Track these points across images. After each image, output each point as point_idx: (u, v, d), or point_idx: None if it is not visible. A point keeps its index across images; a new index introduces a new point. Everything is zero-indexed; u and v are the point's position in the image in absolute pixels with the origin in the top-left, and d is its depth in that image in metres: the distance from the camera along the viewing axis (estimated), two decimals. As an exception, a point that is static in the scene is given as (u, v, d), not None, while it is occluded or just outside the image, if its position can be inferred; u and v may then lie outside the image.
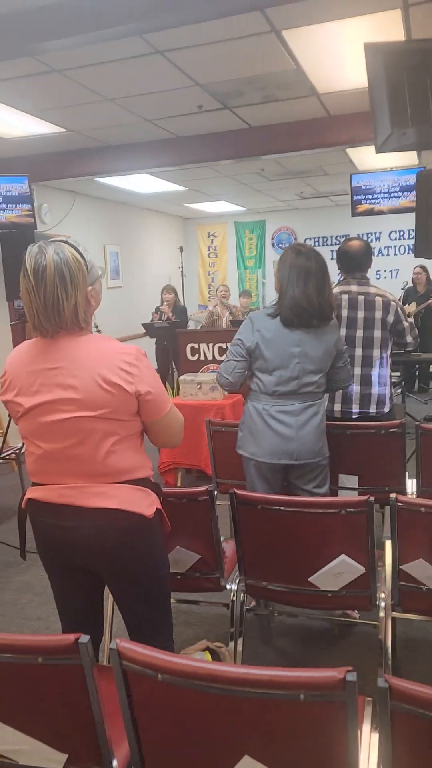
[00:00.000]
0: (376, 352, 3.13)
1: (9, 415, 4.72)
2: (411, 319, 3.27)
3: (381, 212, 6.82)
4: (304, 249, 2.54)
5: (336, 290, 3.16)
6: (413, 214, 4.90)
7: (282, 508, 2.05)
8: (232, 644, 2.33)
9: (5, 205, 5.57)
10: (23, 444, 5.26)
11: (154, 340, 7.65)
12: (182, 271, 9.65)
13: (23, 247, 5.23)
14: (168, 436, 1.82)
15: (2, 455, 4.26)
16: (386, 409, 3.20)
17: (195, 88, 4.17)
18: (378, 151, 2.48)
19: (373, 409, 3.16)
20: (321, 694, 1.09)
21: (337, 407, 3.15)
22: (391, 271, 9.33)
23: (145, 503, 1.72)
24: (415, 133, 2.37)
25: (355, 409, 3.15)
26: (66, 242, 1.65)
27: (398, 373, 6.44)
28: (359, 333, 3.11)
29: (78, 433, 1.64)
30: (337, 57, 3.67)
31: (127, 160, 5.72)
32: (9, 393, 1.71)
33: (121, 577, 1.74)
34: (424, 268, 7.73)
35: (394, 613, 2.16)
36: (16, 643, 1.31)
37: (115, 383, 1.63)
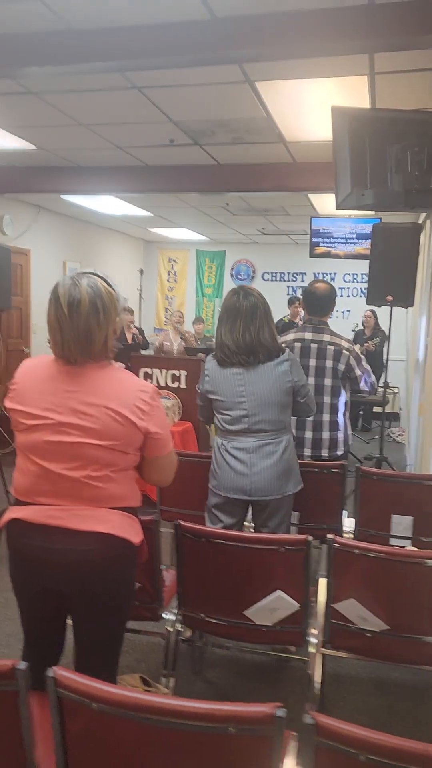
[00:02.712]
0: (326, 399, 3.24)
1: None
2: (367, 366, 3.37)
3: (337, 256, 7.11)
4: (241, 289, 2.61)
5: (290, 337, 3.27)
6: (367, 260, 5.17)
7: (224, 541, 2.11)
8: (163, 678, 2.35)
9: (-33, 215, 5.53)
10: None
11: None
12: (141, 294, 9.72)
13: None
14: (161, 475, 1.88)
15: None
16: (339, 452, 3.32)
17: (168, 124, 4.29)
18: (338, 207, 2.63)
19: (325, 453, 3.27)
20: (250, 728, 1.15)
21: None
22: (343, 311, 9.64)
23: (134, 531, 1.75)
24: (373, 195, 2.53)
25: (308, 452, 3.25)
26: (96, 274, 1.72)
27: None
28: (311, 380, 3.22)
29: (80, 458, 1.66)
30: (305, 111, 3.86)
31: (95, 182, 5.79)
32: (16, 402, 1.72)
33: (93, 603, 1.73)
34: (373, 312, 8.04)
35: (323, 649, 2.23)
36: None
37: (128, 418, 1.67)
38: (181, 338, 7.44)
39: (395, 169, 2.55)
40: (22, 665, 1.28)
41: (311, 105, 3.73)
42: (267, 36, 2.61)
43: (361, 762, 1.08)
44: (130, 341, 7.52)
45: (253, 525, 2.75)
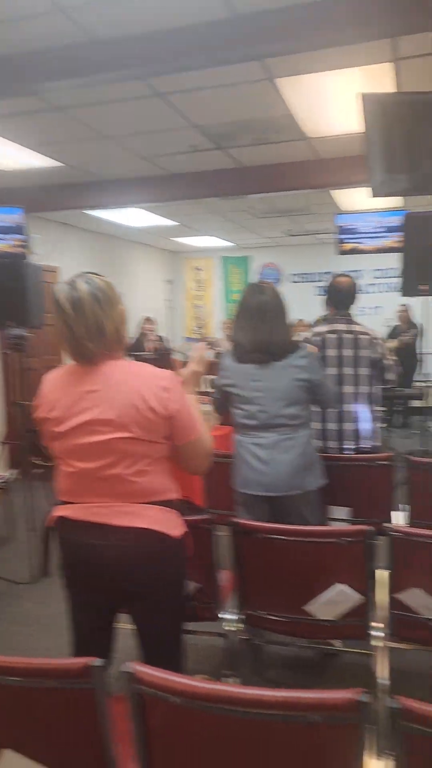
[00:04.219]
0: (364, 389, 3.22)
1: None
2: (394, 357, 3.38)
3: (365, 251, 7.02)
4: (255, 287, 2.64)
5: (323, 329, 3.26)
6: (395, 253, 5.09)
7: (282, 537, 2.09)
8: (225, 678, 2.33)
9: (-1, 236, 5.63)
10: (13, 473, 5.14)
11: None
12: (170, 304, 9.78)
13: (13, 275, 5.17)
14: (194, 461, 1.87)
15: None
16: (378, 443, 3.30)
17: (191, 129, 4.32)
18: (374, 195, 2.60)
19: (367, 444, 3.24)
20: (337, 715, 1.12)
21: (332, 444, 3.21)
22: (374, 308, 9.54)
23: (173, 524, 1.77)
24: (408, 179, 2.50)
25: (349, 445, 3.21)
26: (90, 273, 1.77)
27: (384, 408, 6.55)
28: (348, 371, 3.19)
29: (112, 453, 1.70)
30: (328, 104, 3.84)
31: (120, 194, 5.85)
32: (44, 412, 1.77)
33: (143, 597, 1.76)
34: (407, 306, 7.93)
35: (388, 642, 2.18)
36: (26, 665, 1.32)
37: (151, 407, 1.69)
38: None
39: (429, 152, 2.51)
40: (98, 662, 1.28)
41: (334, 98, 3.72)
42: (288, 29, 2.60)
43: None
44: (152, 349, 7.52)
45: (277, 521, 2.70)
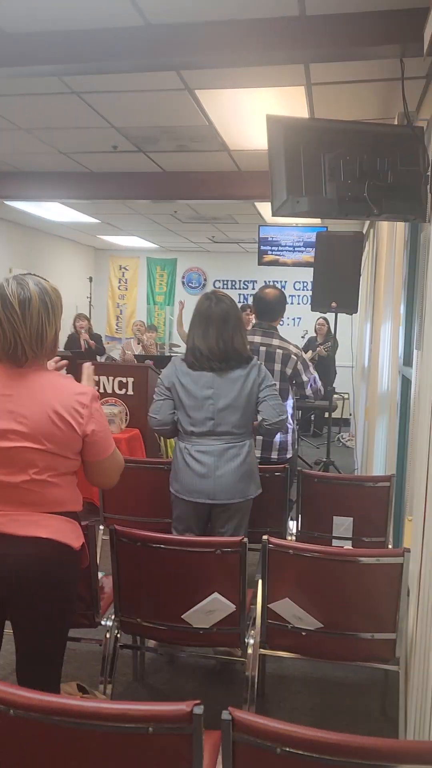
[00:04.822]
0: None
1: None
2: (314, 372, 3.43)
3: (285, 264, 7.21)
4: (214, 295, 2.66)
5: None
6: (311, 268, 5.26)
7: (161, 546, 2.10)
8: (101, 685, 2.32)
9: None
10: None
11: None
12: (90, 301, 9.64)
13: None
14: (104, 478, 1.87)
15: None
16: (288, 455, 3.36)
17: (110, 130, 4.29)
18: (274, 214, 2.67)
19: (274, 456, 3.30)
20: (169, 726, 1.14)
21: None
22: (293, 319, 9.79)
23: (74, 535, 1.75)
24: (308, 202, 2.58)
25: (257, 454, 3.26)
26: (36, 275, 1.74)
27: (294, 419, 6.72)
28: None
29: (18, 462, 1.66)
30: (246, 120, 3.92)
31: (38, 187, 5.73)
32: None
33: (35, 608, 1.71)
34: (326, 320, 8.18)
35: (261, 650, 2.25)
36: None
37: (66, 421, 1.67)
38: (141, 346, 7.43)
39: (329, 177, 2.60)
40: None
41: (251, 114, 3.79)
42: (201, 43, 2.64)
43: (277, 755, 1.09)
44: (83, 349, 7.39)
45: (211, 528, 2.72)
